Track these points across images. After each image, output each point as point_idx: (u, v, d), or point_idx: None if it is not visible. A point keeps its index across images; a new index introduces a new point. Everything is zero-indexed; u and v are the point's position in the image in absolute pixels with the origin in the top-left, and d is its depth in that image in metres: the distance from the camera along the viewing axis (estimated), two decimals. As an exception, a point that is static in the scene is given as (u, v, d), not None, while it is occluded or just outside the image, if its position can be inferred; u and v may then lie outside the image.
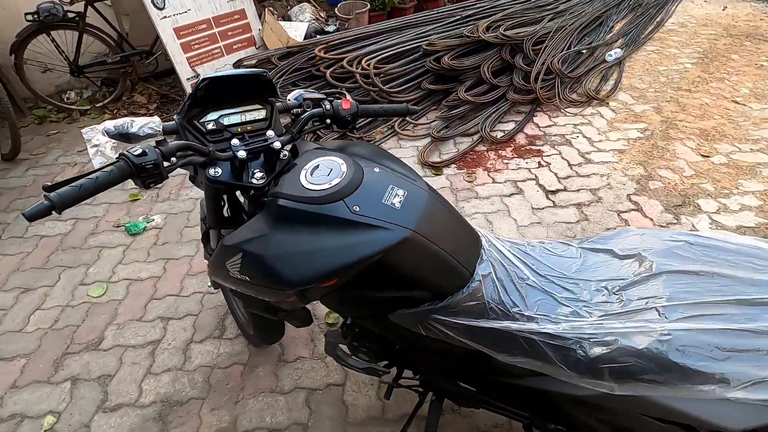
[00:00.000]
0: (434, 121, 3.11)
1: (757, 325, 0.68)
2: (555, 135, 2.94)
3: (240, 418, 1.48)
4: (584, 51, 3.89)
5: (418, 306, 0.90)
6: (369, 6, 4.35)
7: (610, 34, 4.42)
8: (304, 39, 4.09)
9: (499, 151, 2.81)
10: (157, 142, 0.82)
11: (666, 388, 0.69)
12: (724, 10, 5.24)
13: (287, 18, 4.58)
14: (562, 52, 3.62)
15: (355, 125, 1.06)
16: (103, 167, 0.77)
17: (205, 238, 1.32)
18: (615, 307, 0.79)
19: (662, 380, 0.69)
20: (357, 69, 3.15)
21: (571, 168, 2.61)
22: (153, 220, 2.39)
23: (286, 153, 0.99)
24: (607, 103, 3.29)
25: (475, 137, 2.93)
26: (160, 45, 3.41)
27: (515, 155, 2.76)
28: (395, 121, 3.09)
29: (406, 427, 1.29)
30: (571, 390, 0.80)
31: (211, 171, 0.93)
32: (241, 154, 0.90)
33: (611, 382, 0.74)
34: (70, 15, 3.15)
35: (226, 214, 1.13)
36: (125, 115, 3.49)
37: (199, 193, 2.57)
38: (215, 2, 3.51)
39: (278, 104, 1.04)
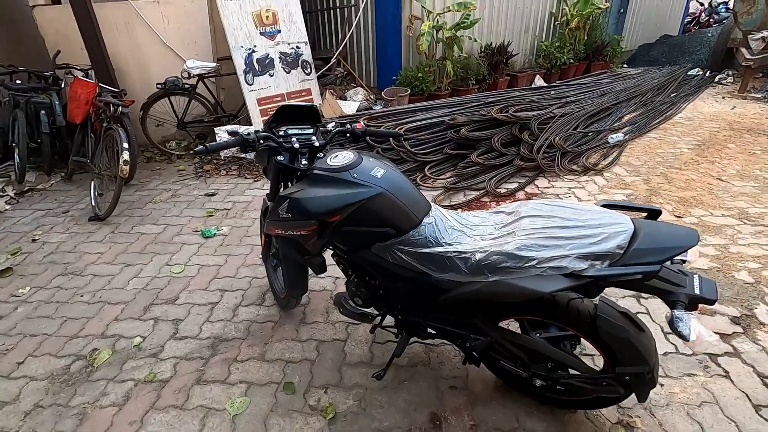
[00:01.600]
0: (450, 177, 3.78)
1: (560, 235, 1.20)
2: (551, 194, 3.50)
3: (267, 352, 2.01)
4: (590, 133, 4.54)
5: (388, 240, 1.48)
6: (409, 91, 5.34)
7: (619, 122, 5.07)
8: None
9: (500, 203, 3.39)
10: (255, 131, 1.53)
11: (511, 271, 1.21)
12: (732, 109, 5.78)
13: (343, 98, 5.66)
14: (566, 132, 4.29)
15: (364, 138, 1.75)
16: (228, 139, 1.48)
17: (265, 214, 1.99)
18: (495, 236, 1.34)
19: (509, 264, 1.21)
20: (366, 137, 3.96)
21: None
22: (222, 229, 3.14)
23: (321, 154, 1.68)
24: (602, 174, 3.83)
25: (482, 191, 3.54)
26: (244, 110, 4.47)
27: (513, 206, 3.32)
28: (417, 176, 3.79)
29: (387, 366, 1.76)
30: (470, 287, 1.32)
31: (279, 157, 1.62)
32: (296, 145, 1.59)
33: (487, 273, 1.27)
34: (186, 86, 4.30)
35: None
36: (210, 161, 4.47)
37: (257, 215, 3.31)
38: (289, 82, 4.60)
39: (321, 127, 1.76)
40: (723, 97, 6.37)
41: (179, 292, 2.47)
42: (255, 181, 3.96)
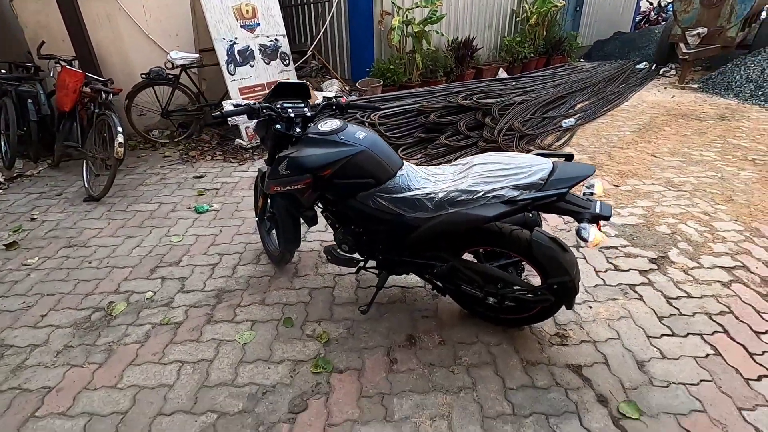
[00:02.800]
0: (421, 158, 4.17)
1: (500, 174, 1.60)
2: (510, 170, 3.93)
3: (267, 298, 2.34)
4: (546, 118, 5.03)
5: (369, 190, 1.84)
6: (382, 82, 5.70)
7: (572, 110, 5.60)
8: (331, 102, 5.38)
9: (466, 178, 3.80)
10: (259, 102, 1.85)
11: (465, 203, 1.60)
12: (672, 97, 6.43)
13: (320, 89, 5.96)
14: (525, 117, 4.76)
15: (347, 110, 2.11)
16: (238, 108, 1.80)
17: (262, 180, 2.31)
18: (453, 179, 1.72)
19: (464, 198, 1.60)
20: (366, 120, 4.32)
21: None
22: (213, 206, 3.41)
23: (312, 123, 2.02)
24: (555, 153, 4.31)
25: (450, 169, 3.95)
26: (226, 99, 4.71)
27: (476, 180, 3.75)
28: (392, 157, 4.16)
29: (371, 301, 2.12)
30: (435, 220, 1.69)
31: (277, 126, 1.95)
32: (292, 115, 1.93)
33: (447, 207, 1.65)
34: (170, 76, 4.51)
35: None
36: (193, 148, 4.70)
37: (246, 194, 3.60)
38: (269, 73, 4.87)
39: (311, 102, 2.10)
40: (665, 88, 7.04)
41: (181, 256, 2.75)
42: (240, 164, 4.24)
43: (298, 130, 1.97)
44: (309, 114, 1.99)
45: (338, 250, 2.15)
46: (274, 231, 2.59)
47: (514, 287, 1.86)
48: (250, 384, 1.82)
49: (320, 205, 2.15)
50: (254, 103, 1.84)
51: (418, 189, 1.77)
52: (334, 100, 2.09)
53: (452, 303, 2.19)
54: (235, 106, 1.95)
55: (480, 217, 1.57)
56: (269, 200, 2.41)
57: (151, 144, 4.80)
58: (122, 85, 4.47)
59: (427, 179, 1.81)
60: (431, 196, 1.70)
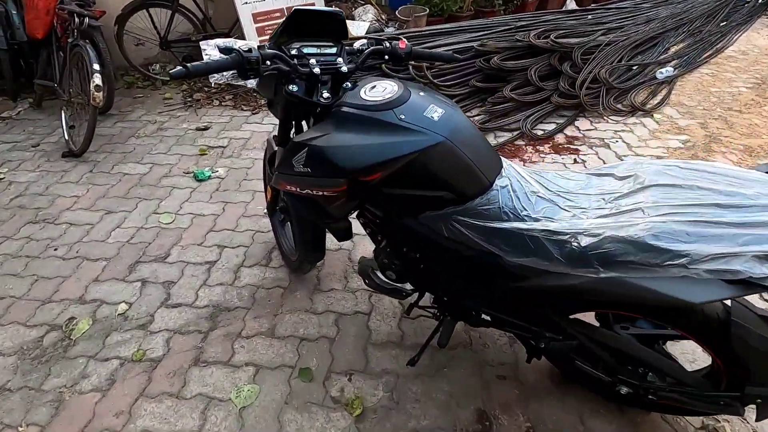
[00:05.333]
0: (478, 116, 3.29)
1: (721, 219, 0.82)
2: (594, 138, 3.04)
3: (277, 327, 1.70)
4: (636, 66, 3.96)
5: (444, 209, 1.09)
6: (428, 11, 4.62)
7: (665, 55, 4.45)
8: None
9: (537, 147, 2.94)
10: (258, 47, 1.06)
11: (641, 267, 0.84)
12: (791, 42, 5.10)
13: (351, 17, 4.92)
14: (612, 64, 3.72)
15: (408, 62, 1.28)
16: (221, 59, 1.01)
17: (271, 161, 1.57)
18: (607, 211, 0.95)
19: (638, 259, 0.84)
20: (410, 62, 3.39)
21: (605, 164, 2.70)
22: (217, 171, 2.71)
23: (349, 84, 1.22)
24: (652, 115, 3.35)
25: (516, 133, 3.08)
26: (237, 28, 3.82)
27: (552, 151, 2.89)
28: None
29: (422, 350, 1.45)
30: (565, 281, 0.96)
31: (290, 87, 1.16)
32: (316, 70, 1.13)
33: (597, 266, 0.89)
34: (167, -5, 3.61)
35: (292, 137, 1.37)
36: (200, 88, 3.91)
37: (257, 155, 2.87)
38: (290, -6, 3.89)
39: (348, 45, 1.27)
40: (779, 28, 5.64)
41: (170, 247, 2.11)
42: (253, 113, 3.45)
43: (325, 94, 1.18)
44: (345, 68, 1.19)
45: (380, 275, 1.44)
46: (289, 223, 1.89)
47: (677, 381, 1.14)
48: (246, 488, 1.23)
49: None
50: (249, 50, 1.04)
51: (536, 219, 1.00)
52: (388, 45, 1.26)
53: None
54: (222, 50, 1.16)
55: (674, 300, 0.82)
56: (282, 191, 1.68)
57: (151, 81, 4.02)
58: (111, 7, 3.62)
59: (550, 201, 1.03)
60: (563, 238, 0.94)
